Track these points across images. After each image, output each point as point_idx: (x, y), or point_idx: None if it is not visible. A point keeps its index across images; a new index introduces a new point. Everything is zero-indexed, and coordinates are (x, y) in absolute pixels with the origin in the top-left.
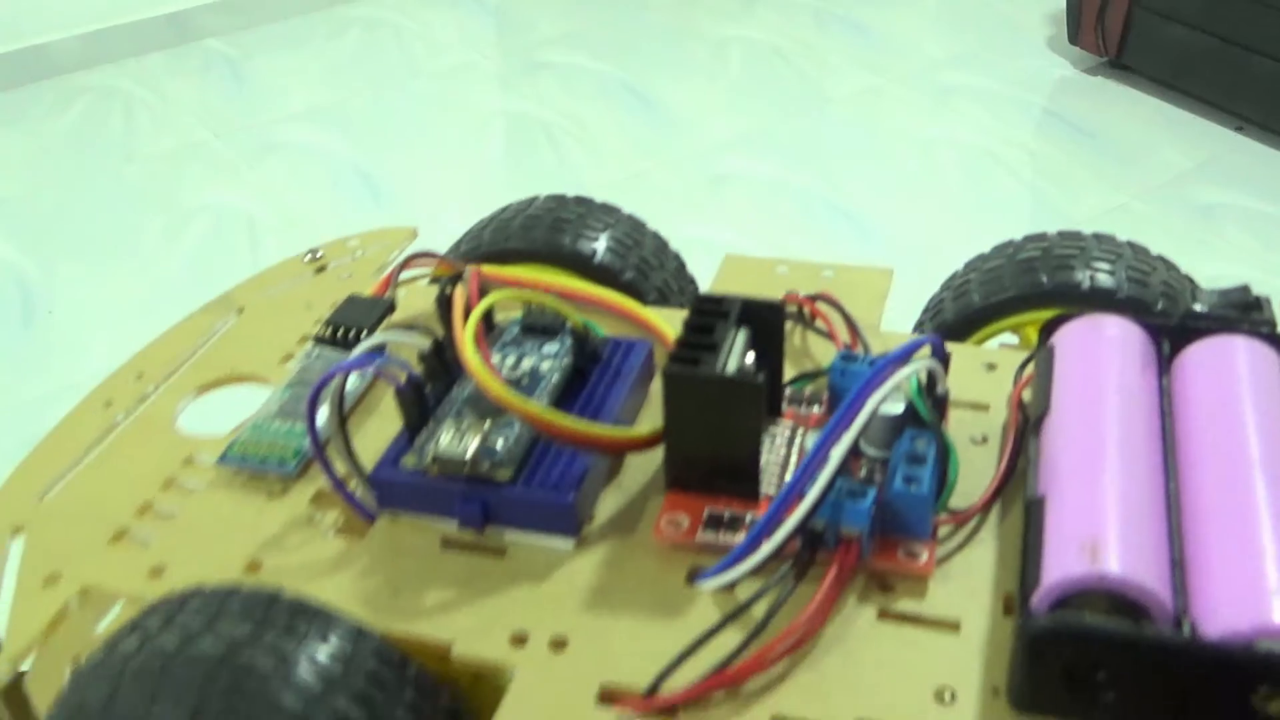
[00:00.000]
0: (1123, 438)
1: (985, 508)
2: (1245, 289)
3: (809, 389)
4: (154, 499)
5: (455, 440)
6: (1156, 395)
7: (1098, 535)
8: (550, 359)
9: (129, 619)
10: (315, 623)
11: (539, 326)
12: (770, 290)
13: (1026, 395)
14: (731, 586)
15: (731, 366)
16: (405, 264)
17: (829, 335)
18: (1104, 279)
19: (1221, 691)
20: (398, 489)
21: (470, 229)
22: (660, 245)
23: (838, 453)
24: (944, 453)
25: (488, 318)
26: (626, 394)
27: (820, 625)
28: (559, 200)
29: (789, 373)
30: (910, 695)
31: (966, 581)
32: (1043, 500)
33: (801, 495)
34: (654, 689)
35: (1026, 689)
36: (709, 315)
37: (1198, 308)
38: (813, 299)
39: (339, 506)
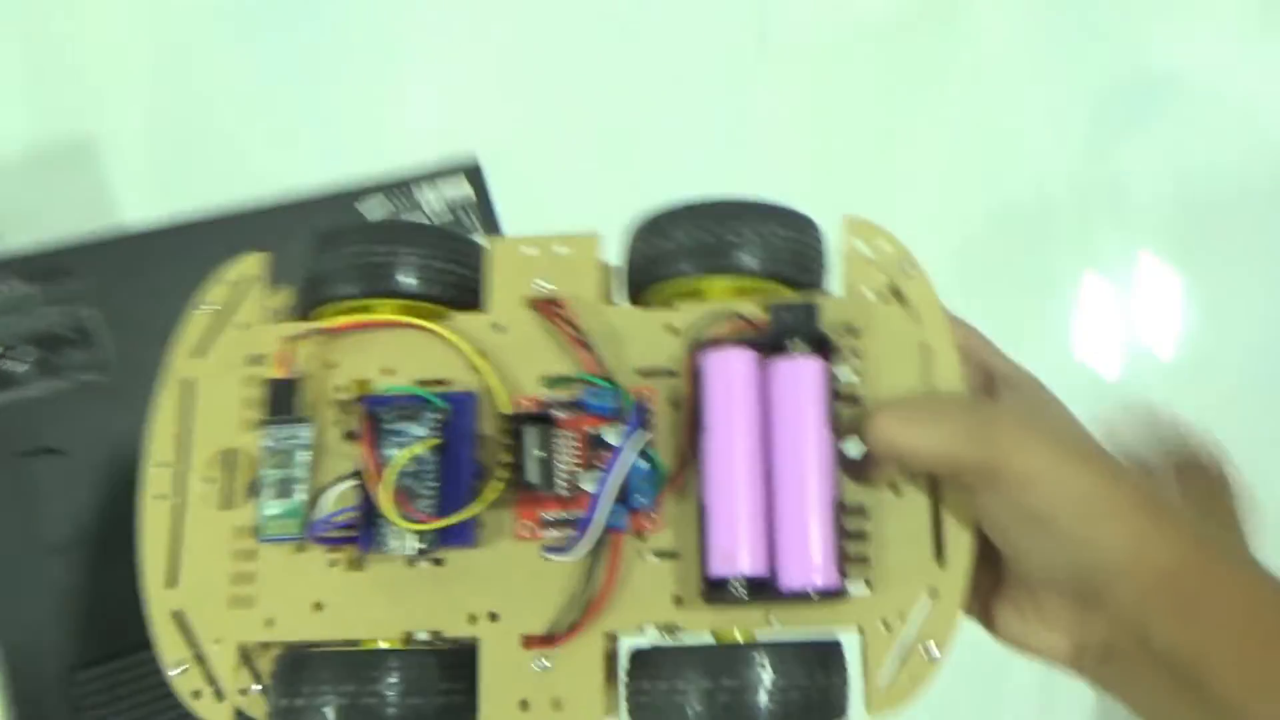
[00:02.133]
0: (746, 457)
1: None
2: (808, 308)
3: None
4: (233, 569)
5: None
6: (758, 410)
7: (732, 545)
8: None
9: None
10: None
11: (405, 414)
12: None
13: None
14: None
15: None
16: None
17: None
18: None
19: None
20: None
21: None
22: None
23: (613, 484)
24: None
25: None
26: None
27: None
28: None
29: (554, 368)
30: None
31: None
32: (705, 508)
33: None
34: (551, 636)
35: None
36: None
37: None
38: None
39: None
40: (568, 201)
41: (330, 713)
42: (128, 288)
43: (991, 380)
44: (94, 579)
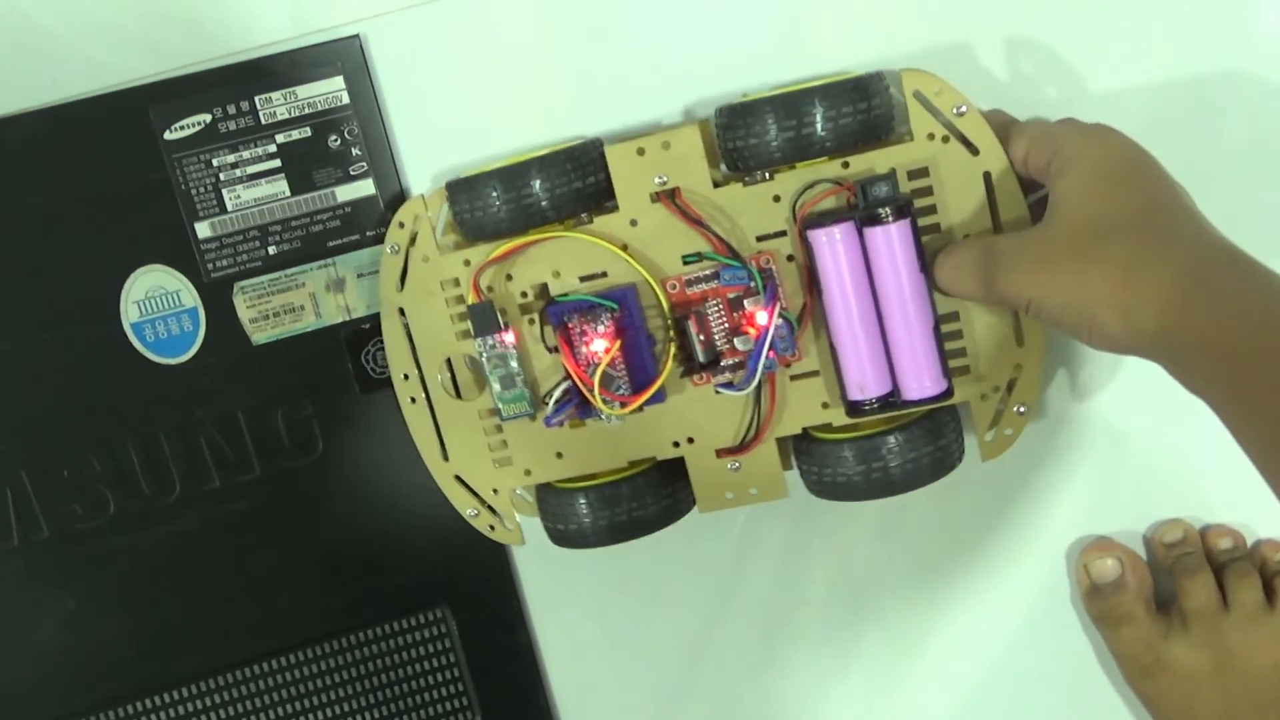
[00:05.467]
0: (858, 308)
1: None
2: (889, 179)
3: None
4: (488, 440)
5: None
6: (862, 267)
7: (862, 377)
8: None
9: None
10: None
11: (586, 318)
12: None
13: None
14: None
15: None
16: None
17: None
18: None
19: None
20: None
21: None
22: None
23: (765, 348)
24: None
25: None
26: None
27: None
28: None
29: (688, 247)
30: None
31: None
32: (835, 351)
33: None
34: (738, 446)
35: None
36: None
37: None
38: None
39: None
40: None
41: (586, 513)
42: None
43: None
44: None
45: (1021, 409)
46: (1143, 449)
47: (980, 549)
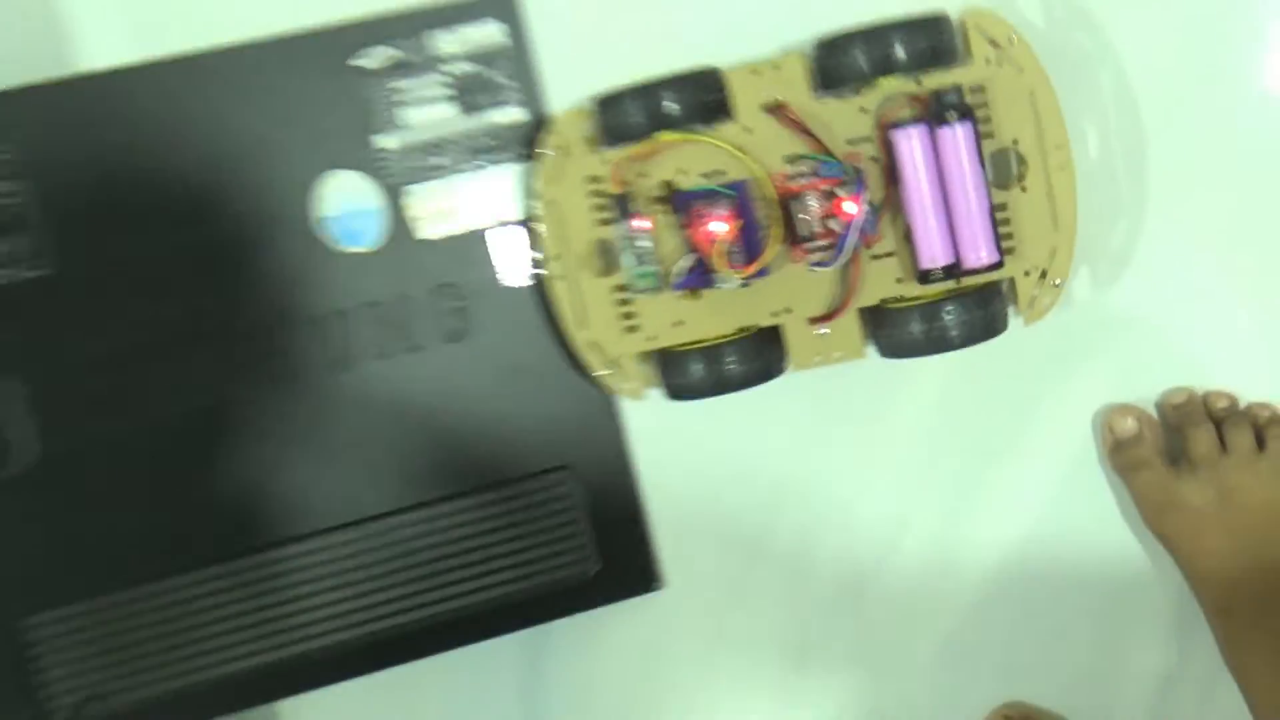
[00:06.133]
0: (930, 195)
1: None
2: (956, 91)
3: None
4: (620, 311)
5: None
6: (933, 160)
7: (931, 250)
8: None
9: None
10: None
11: (709, 202)
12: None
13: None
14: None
15: None
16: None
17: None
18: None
19: None
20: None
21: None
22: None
23: (855, 230)
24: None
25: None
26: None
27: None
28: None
29: (791, 150)
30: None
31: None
32: (911, 229)
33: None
34: (826, 315)
35: None
36: None
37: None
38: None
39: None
40: (619, 41)
41: (700, 370)
42: (69, 147)
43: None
44: (49, 513)
45: (1058, 281)
46: (1153, 330)
47: (1024, 416)
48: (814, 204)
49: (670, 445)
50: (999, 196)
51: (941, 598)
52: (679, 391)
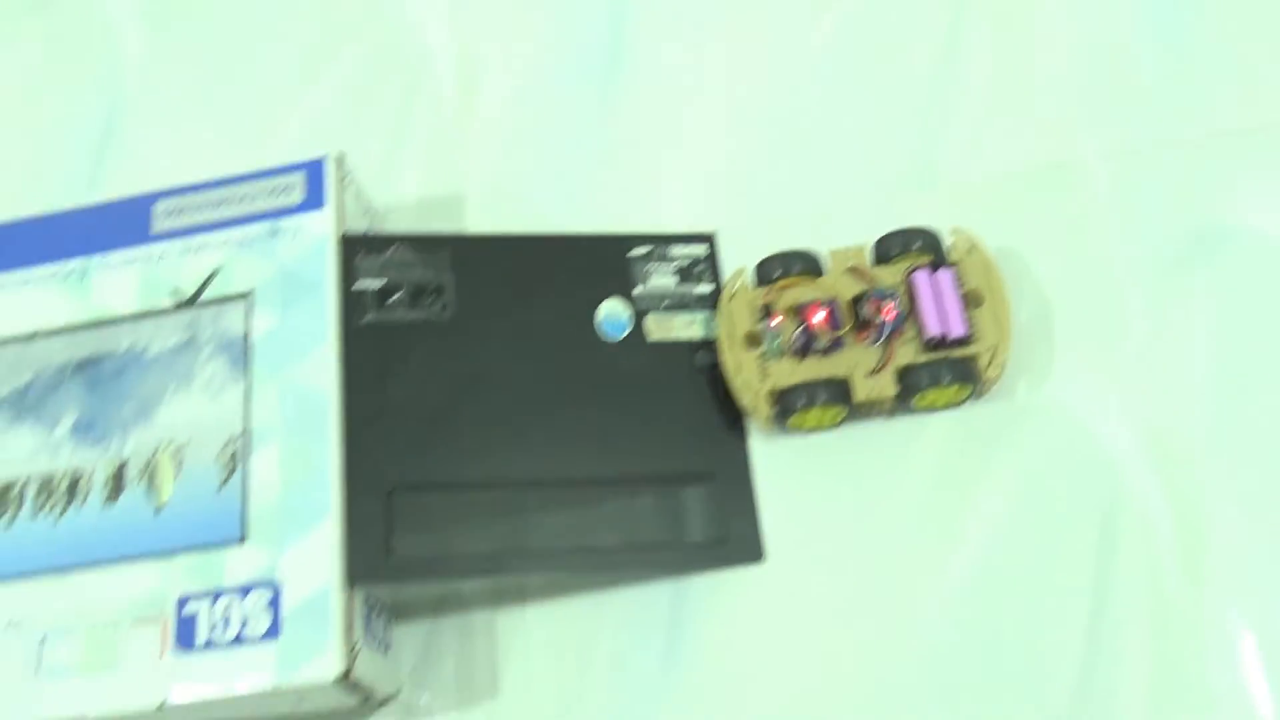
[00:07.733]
0: (933, 303)
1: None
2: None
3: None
4: (759, 367)
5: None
6: (933, 285)
7: (934, 327)
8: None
9: None
10: None
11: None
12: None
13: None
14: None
15: None
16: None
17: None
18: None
19: None
20: None
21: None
22: None
23: (892, 324)
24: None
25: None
26: None
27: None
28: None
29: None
30: None
31: None
32: (918, 315)
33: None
34: (877, 369)
35: None
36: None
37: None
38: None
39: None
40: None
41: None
42: (472, 271)
43: None
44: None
45: (1001, 357)
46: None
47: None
48: (869, 309)
49: (788, 468)
50: (969, 310)
51: None
52: (780, 415)
